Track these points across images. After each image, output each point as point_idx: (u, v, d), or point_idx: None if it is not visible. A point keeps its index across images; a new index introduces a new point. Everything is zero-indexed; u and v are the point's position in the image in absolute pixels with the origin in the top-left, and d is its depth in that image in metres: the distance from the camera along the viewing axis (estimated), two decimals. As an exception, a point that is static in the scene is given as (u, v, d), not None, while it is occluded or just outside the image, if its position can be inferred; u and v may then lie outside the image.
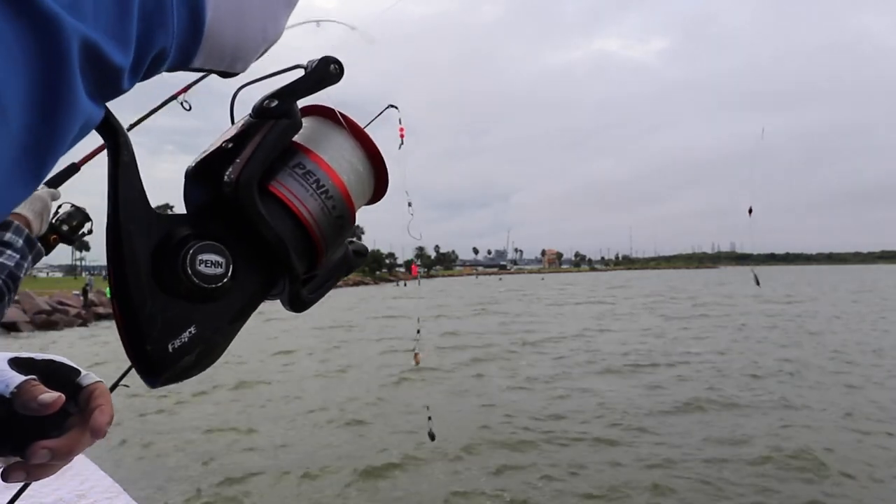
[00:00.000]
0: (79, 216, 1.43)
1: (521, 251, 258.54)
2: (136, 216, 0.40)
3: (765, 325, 21.02)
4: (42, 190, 1.31)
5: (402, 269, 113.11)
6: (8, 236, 1.16)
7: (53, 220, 1.37)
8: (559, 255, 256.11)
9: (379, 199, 0.55)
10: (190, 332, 0.42)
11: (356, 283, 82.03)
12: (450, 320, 24.55)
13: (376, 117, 2.60)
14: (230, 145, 0.45)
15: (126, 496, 2.36)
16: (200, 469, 6.79)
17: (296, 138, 0.47)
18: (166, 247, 0.41)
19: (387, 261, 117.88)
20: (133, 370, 0.66)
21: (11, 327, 21.38)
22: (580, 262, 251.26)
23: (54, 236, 1.36)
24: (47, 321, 23.95)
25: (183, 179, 0.47)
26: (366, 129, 0.51)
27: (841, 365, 12.68)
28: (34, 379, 0.51)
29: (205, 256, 0.41)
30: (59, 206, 1.42)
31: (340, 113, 0.50)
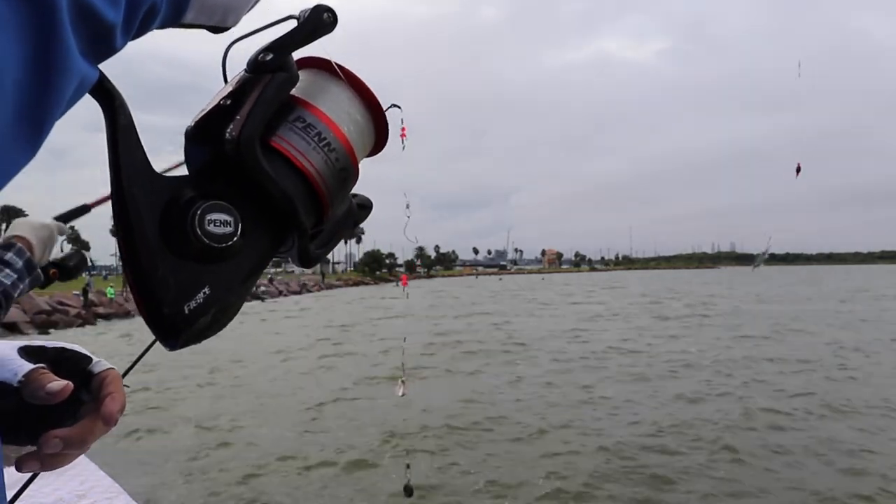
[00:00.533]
0: (77, 258, 1.42)
1: (521, 251, 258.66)
2: (140, 180, 0.40)
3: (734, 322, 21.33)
4: (52, 221, 1.32)
5: (402, 269, 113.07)
6: (9, 256, 1.16)
7: (57, 258, 1.35)
8: (559, 256, 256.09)
9: (380, 150, 0.55)
10: (204, 293, 0.42)
11: (356, 283, 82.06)
12: (438, 331, 24.49)
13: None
14: (228, 102, 0.44)
15: (126, 496, 2.36)
16: (201, 469, 6.80)
17: (293, 92, 0.46)
18: (173, 209, 0.41)
19: (387, 261, 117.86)
20: (131, 370, 0.67)
21: (11, 328, 21.41)
22: (580, 262, 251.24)
23: (54, 270, 1.34)
24: (47, 321, 23.99)
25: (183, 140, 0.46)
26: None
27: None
28: (43, 367, 0.50)
29: (213, 216, 0.41)
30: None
31: (336, 63, 0.49)
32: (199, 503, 5.93)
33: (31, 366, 0.49)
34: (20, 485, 0.53)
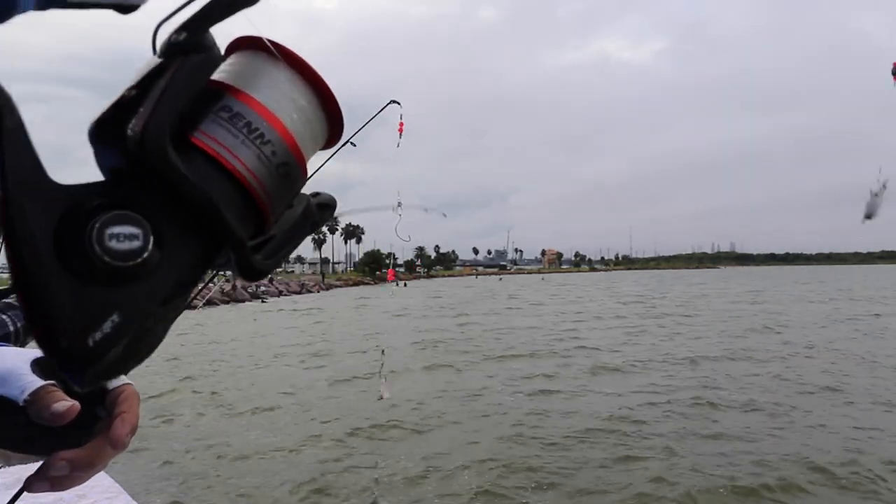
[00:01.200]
0: None
1: (521, 251, 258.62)
2: (31, 188, 0.34)
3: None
4: None
5: (402, 270, 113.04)
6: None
7: None
8: (559, 255, 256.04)
9: (336, 142, 0.47)
10: (113, 321, 0.35)
11: (356, 283, 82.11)
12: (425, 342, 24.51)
13: (378, 113, 2.60)
14: (134, 92, 0.38)
15: (126, 496, 2.36)
16: (201, 469, 6.80)
17: (221, 78, 0.40)
18: (69, 222, 0.34)
19: (386, 261, 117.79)
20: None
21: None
22: (580, 262, 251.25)
23: None
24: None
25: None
26: (310, 65, 0.43)
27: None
28: (52, 384, 0.47)
29: (115, 229, 0.34)
30: None
31: (270, 41, 0.42)
32: (200, 503, 5.93)
33: (39, 383, 0.47)
34: (20, 484, 0.52)
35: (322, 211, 0.47)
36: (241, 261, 0.40)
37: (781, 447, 7.16)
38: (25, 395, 0.46)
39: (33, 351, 0.51)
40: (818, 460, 6.68)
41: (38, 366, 0.49)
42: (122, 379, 0.52)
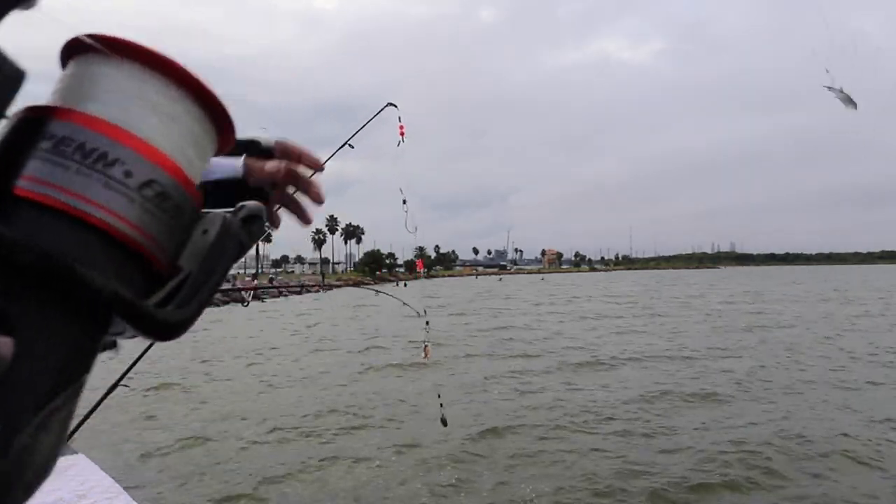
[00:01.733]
0: None
1: (521, 251, 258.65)
2: None
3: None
4: None
5: (402, 269, 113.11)
6: None
7: None
8: (559, 256, 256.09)
9: (229, 145, 0.38)
10: None
11: (356, 284, 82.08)
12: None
13: (375, 115, 2.60)
14: None
15: (126, 496, 2.36)
16: (202, 468, 6.79)
17: (45, 102, 0.32)
18: None
19: (387, 261, 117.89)
20: (130, 370, 0.66)
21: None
22: (580, 262, 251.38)
23: None
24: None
25: None
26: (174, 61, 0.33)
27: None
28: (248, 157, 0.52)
29: None
30: None
31: (95, 35, 0.32)
32: (200, 502, 5.93)
33: (240, 158, 0.51)
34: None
35: (249, 226, 0.39)
36: (136, 321, 0.31)
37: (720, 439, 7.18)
38: (238, 168, 0.49)
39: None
40: (766, 451, 6.80)
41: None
42: (270, 138, 0.53)
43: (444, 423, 4.66)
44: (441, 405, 4.97)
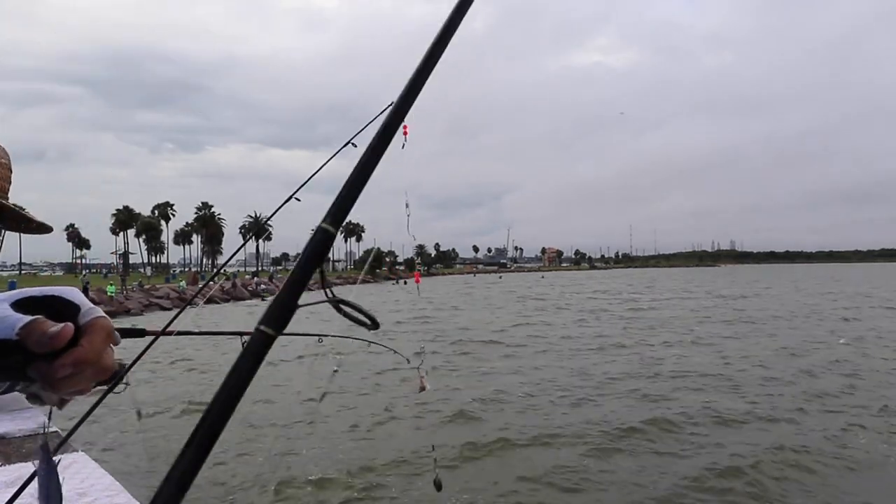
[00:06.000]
0: None
1: (521, 249, 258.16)
2: None
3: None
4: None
5: (402, 268, 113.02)
6: None
7: None
8: (559, 254, 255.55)
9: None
10: None
11: (356, 281, 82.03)
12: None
13: (377, 116, 2.59)
14: None
15: (126, 494, 2.36)
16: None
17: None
18: None
19: (387, 259, 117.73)
20: (130, 369, 0.65)
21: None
22: (580, 260, 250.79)
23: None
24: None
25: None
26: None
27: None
28: (40, 317, 0.48)
29: None
30: None
31: None
32: (200, 502, 5.93)
33: (27, 318, 0.47)
34: (20, 482, 0.52)
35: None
36: None
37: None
38: (17, 330, 0.46)
39: (7, 293, 0.51)
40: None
41: (17, 306, 0.50)
42: (93, 312, 0.51)
43: (438, 487, 3.54)
44: (435, 460, 4.63)
